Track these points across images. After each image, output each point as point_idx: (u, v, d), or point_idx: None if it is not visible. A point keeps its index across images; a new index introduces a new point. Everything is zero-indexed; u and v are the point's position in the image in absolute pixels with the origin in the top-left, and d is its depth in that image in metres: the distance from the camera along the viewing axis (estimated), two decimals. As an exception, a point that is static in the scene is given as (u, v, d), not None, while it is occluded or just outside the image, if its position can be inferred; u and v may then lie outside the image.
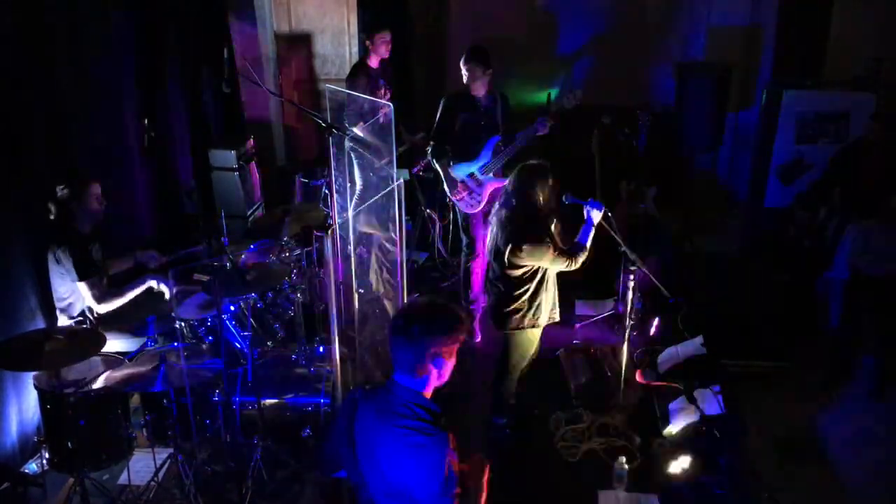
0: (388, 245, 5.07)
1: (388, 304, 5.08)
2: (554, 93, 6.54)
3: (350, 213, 4.17)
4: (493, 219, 4.04)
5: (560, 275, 4.01)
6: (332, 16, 7.16)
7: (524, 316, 3.93)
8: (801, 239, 5.66)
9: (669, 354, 4.71)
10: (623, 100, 6.65)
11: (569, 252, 3.85)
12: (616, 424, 4.37)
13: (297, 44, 7.27)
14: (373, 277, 5.36)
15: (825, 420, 4.54)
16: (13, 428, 3.93)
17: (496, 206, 4.07)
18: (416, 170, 6.08)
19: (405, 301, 4.02)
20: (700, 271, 6.11)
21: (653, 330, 5.10)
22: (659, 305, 5.17)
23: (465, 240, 5.22)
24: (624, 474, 3.87)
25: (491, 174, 4.96)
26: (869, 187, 5.19)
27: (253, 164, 6.41)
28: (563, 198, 4.01)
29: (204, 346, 3.93)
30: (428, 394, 2.30)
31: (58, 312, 4.07)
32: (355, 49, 7.11)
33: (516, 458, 4.20)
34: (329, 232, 3.54)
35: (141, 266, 4.41)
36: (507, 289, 3.92)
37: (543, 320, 4.00)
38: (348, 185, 4.84)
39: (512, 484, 3.86)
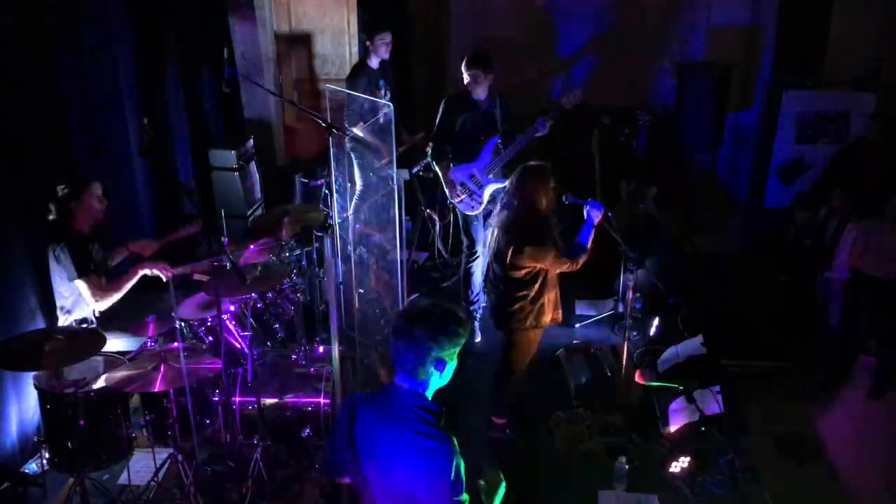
0: (387, 245, 5.07)
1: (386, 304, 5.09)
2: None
3: (350, 213, 4.18)
4: (493, 220, 4.05)
5: (560, 275, 4.01)
6: (332, 16, 7.16)
7: (526, 317, 3.94)
8: (801, 239, 5.67)
9: (669, 354, 4.71)
10: (623, 100, 6.64)
11: (569, 253, 3.85)
12: (616, 424, 4.37)
13: (297, 44, 7.27)
14: (372, 277, 5.36)
15: (825, 420, 4.54)
16: (13, 428, 3.93)
17: (497, 207, 4.08)
18: (415, 170, 6.08)
19: (405, 302, 4.03)
20: (700, 271, 6.11)
21: (653, 330, 5.11)
22: (659, 305, 5.18)
23: (465, 241, 5.22)
24: (624, 474, 3.88)
25: (491, 175, 4.96)
26: (869, 187, 5.19)
27: (253, 164, 6.41)
28: (563, 198, 4.02)
29: (204, 346, 3.93)
30: (430, 396, 2.30)
31: (58, 312, 4.07)
32: (355, 49, 7.11)
33: (516, 458, 4.20)
34: (329, 232, 3.54)
35: (137, 256, 4.41)
36: (509, 290, 3.92)
37: (545, 321, 4.00)
38: (348, 185, 4.85)
39: (512, 484, 3.85)
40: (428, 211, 6.12)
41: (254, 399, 3.90)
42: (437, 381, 2.29)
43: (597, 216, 3.93)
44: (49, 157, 4.14)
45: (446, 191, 5.05)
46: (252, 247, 4.47)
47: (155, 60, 5.35)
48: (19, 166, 3.90)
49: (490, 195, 5.00)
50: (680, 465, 3.93)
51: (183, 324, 3.87)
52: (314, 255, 4.76)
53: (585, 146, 5.93)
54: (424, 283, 5.93)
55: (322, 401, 3.96)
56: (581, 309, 5.60)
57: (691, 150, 6.48)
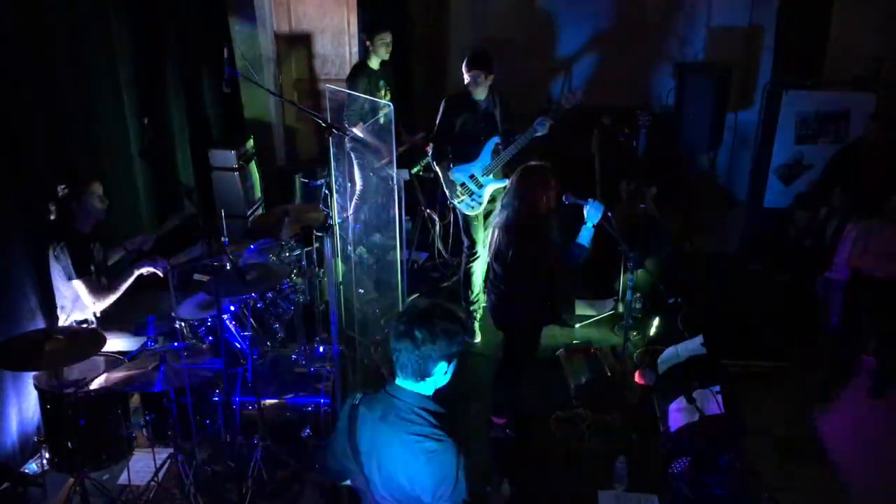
0: (387, 245, 5.08)
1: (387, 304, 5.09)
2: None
3: (350, 213, 4.18)
4: (494, 220, 4.05)
5: (560, 274, 4.01)
6: (332, 16, 7.17)
7: (526, 316, 3.94)
8: (801, 239, 5.66)
9: (669, 354, 4.71)
10: (623, 100, 6.65)
11: (569, 253, 3.85)
12: (616, 424, 4.37)
13: (297, 44, 7.27)
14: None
15: (825, 420, 4.54)
16: (13, 428, 3.93)
17: (497, 207, 4.08)
18: (415, 170, 6.07)
19: (405, 302, 4.03)
20: (700, 271, 6.11)
21: (653, 330, 5.11)
22: (659, 305, 5.18)
23: (465, 241, 5.21)
24: (624, 474, 3.88)
25: (491, 175, 4.96)
26: (869, 187, 5.19)
27: (253, 164, 6.41)
28: (563, 198, 4.02)
29: (204, 346, 3.93)
30: (431, 396, 2.30)
31: (59, 311, 4.07)
32: (355, 49, 7.11)
33: (516, 458, 4.20)
34: (329, 232, 3.54)
35: (135, 253, 4.40)
36: (509, 289, 3.92)
37: (545, 321, 4.00)
38: (348, 185, 4.85)
39: (512, 484, 3.85)
40: (428, 211, 6.12)
41: (254, 399, 3.90)
42: (438, 381, 2.29)
43: (597, 216, 3.93)
44: (49, 157, 4.14)
45: (446, 191, 5.05)
46: (252, 247, 4.47)
47: (155, 60, 5.34)
48: (19, 166, 3.89)
49: (490, 195, 5.01)
50: (680, 465, 3.93)
51: (183, 324, 3.87)
52: (314, 255, 4.75)
53: (585, 146, 5.93)
54: (424, 283, 5.92)
55: (322, 401, 3.96)
56: (581, 309, 5.60)
57: (691, 150, 6.49)
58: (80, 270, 3.91)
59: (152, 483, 3.79)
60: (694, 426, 4.11)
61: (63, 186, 3.91)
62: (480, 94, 4.89)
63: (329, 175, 4.95)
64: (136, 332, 4.03)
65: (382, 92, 5.80)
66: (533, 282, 3.90)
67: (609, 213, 4.01)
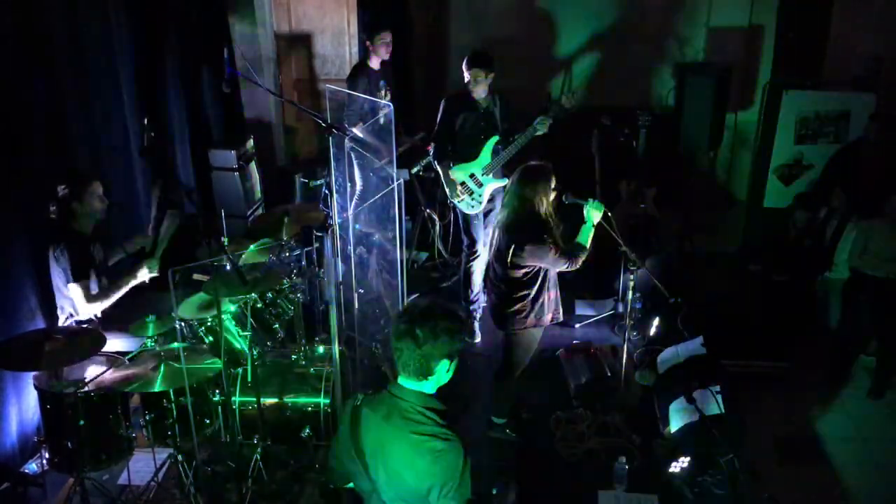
0: (387, 245, 5.07)
1: (387, 304, 5.08)
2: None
3: (350, 212, 4.17)
4: (494, 220, 4.04)
5: (560, 274, 4.02)
6: (332, 16, 7.17)
7: (526, 316, 3.94)
8: (801, 239, 5.67)
9: (669, 354, 4.71)
10: (623, 100, 6.65)
11: (569, 252, 3.85)
12: (616, 424, 4.37)
13: (297, 44, 7.27)
14: (372, 276, 5.36)
15: (825, 420, 4.54)
16: (13, 428, 3.93)
17: (497, 206, 4.08)
18: (415, 169, 6.07)
19: (405, 302, 4.03)
20: (700, 271, 6.11)
21: (653, 330, 5.11)
22: (659, 305, 5.18)
23: (465, 240, 5.22)
24: (624, 474, 3.88)
25: (491, 175, 4.96)
26: (869, 187, 5.20)
27: (253, 164, 6.41)
28: (563, 198, 4.02)
29: (204, 346, 3.93)
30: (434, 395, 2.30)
31: (59, 312, 4.07)
32: (355, 49, 7.12)
33: (516, 458, 4.20)
34: (329, 232, 3.54)
35: (134, 256, 4.40)
36: (510, 289, 3.93)
37: (545, 320, 4.00)
38: (348, 185, 4.85)
39: (516, 485, 3.86)
40: (428, 211, 6.12)
41: (254, 399, 3.89)
42: (441, 379, 2.29)
43: (597, 216, 3.93)
44: (49, 157, 4.14)
45: (447, 190, 5.05)
46: (252, 247, 4.47)
47: (155, 60, 5.34)
48: (19, 166, 3.89)
49: (490, 194, 5.01)
50: (680, 465, 3.93)
51: (183, 324, 3.87)
52: (314, 255, 4.75)
53: (585, 146, 5.93)
54: (424, 283, 5.92)
55: (322, 401, 3.96)
56: (581, 309, 5.60)
57: (691, 150, 6.49)
58: (77, 275, 3.90)
59: (152, 483, 3.79)
60: (694, 426, 4.12)
61: (63, 186, 3.90)
62: (480, 92, 4.89)
63: (329, 175, 4.95)
64: (135, 333, 4.02)
65: (382, 92, 5.80)
66: (533, 281, 3.90)
67: (609, 213, 4.01)
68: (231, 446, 3.90)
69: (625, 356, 4.69)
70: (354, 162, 5.63)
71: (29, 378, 3.68)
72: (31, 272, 4.02)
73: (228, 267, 3.70)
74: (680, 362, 4.59)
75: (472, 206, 5.01)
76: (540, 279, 3.89)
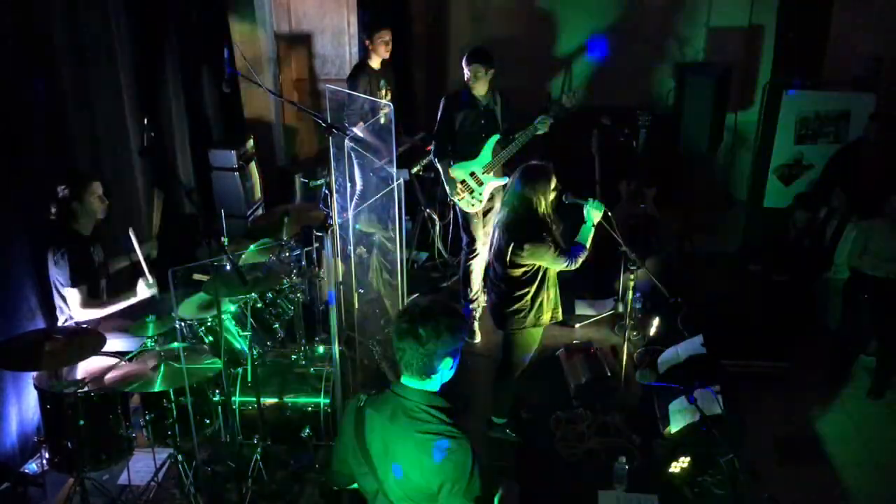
0: (388, 245, 5.07)
1: (388, 304, 5.08)
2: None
3: (350, 212, 4.17)
4: (494, 219, 4.04)
5: (560, 274, 4.02)
6: (332, 16, 7.16)
7: (526, 315, 3.94)
8: (801, 239, 5.67)
9: (669, 354, 4.71)
10: (623, 100, 6.65)
11: (569, 252, 3.85)
12: (616, 424, 4.37)
13: (297, 44, 7.27)
14: (372, 276, 5.36)
15: (825, 420, 4.54)
16: (13, 428, 3.93)
17: (497, 206, 4.07)
18: (415, 169, 6.07)
19: (405, 302, 4.03)
20: (700, 271, 6.12)
21: (653, 330, 5.11)
22: (659, 305, 5.18)
23: (465, 239, 5.22)
24: (624, 474, 3.88)
25: (491, 174, 4.96)
26: (869, 187, 5.20)
27: (253, 164, 6.41)
28: (563, 198, 4.02)
29: (204, 346, 3.93)
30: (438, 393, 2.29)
31: (59, 312, 4.07)
32: (355, 49, 7.11)
33: (516, 458, 4.20)
34: (329, 232, 3.54)
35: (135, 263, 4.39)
36: (509, 289, 3.93)
37: (545, 320, 4.00)
38: (348, 185, 4.85)
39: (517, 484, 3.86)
40: (428, 211, 6.12)
41: (254, 399, 3.89)
42: (444, 376, 2.28)
43: (597, 216, 3.94)
44: (49, 157, 4.13)
45: (447, 188, 5.05)
46: (252, 247, 4.47)
47: (155, 60, 5.34)
48: (19, 166, 3.89)
49: (490, 193, 5.01)
50: (680, 465, 3.93)
51: (183, 324, 3.87)
52: (314, 255, 4.75)
53: (585, 146, 5.93)
54: (424, 283, 5.92)
55: (322, 401, 3.96)
56: (581, 309, 5.60)
57: (691, 150, 6.49)
58: (76, 280, 3.90)
59: (152, 483, 3.79)
60: (694, 426, 4.12)
61: (63, 186, 3.90)
62: (480, 89, 4.88)
63: (329, 175, 4.95)
64: (136, 332, 4.02)
65: (383, 92, 5.80)
66: (532, 280, 3.91)
67: (609, 213, 4.01)
68: (231, 446, 3.90)
69: (625, 356, 4.69)
70: (354, 162, 5.63)
71: (29, 378, 3.68)
72: (31, 272, 4.02)
73: (228, 267, 3.70)
74: (680, 362, 4.59)
75: (472, 205, 5.01)
76: (539, 278, 3.89)
